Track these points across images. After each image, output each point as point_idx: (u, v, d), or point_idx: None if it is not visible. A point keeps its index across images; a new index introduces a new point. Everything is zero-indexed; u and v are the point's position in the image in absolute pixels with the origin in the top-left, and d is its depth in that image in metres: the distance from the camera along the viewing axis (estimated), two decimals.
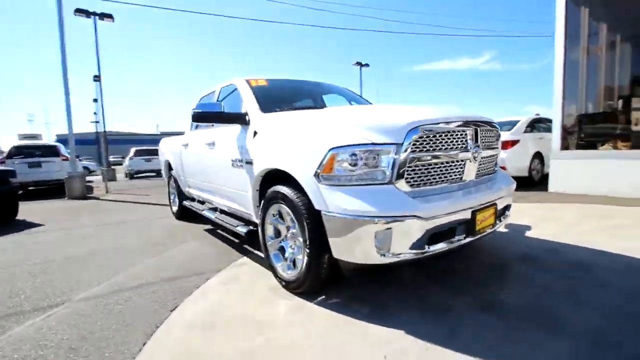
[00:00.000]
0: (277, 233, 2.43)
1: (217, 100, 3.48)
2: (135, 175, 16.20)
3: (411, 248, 1.77)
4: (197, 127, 4.10)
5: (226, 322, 1.92)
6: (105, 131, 18.10)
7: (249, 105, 2.76)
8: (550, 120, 6.13)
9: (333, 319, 1.88)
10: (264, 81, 3.10)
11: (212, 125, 3.42)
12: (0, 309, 2.25)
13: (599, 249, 2.75)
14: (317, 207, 1.88)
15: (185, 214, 4.84)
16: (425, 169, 1.89)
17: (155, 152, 16.49)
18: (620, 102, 6.44)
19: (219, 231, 4.11)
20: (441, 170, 1.96)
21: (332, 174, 1.82)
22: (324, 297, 2.14)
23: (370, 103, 3.62)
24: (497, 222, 2.22)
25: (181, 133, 4.67)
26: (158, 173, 16.91)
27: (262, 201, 2.42)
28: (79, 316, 2.10)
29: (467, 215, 1.93)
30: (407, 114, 1.90)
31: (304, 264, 2.02)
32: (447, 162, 1.96)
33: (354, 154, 1.78)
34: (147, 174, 17.00)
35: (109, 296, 2.37)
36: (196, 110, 2.69)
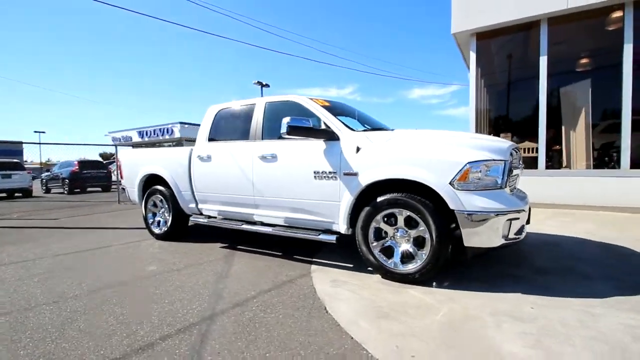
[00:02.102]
0: (378, 236, 2.81)
1: (264, 114, 3.55)
2: None
3: (515, 234, 2.51)
4: (212, 138, 3.93)
5: (394, 310, 2.22)
6: None
7: (333, 123, 3.06)
8: None
9: (466, 295, 2.42)
10: (326, 102, 3.41)
11: (256, 138, 3.47)
12: (116, 350, 1.87)
13: (549, 233, 4.13)
14: (452, 207, 2.43)
15: (175, 234, 4.39)
16: (511, 179, 2.71)
17: (15, 167, 12.83)
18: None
19: (240, 247, 3.96)
20: (514, 180, 2.81)
21: (466, 182, 2.42)
22: (435, 282, 2.65)
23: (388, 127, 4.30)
24: None
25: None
26: (12, 193, 13.03)
27: (368, 208, 2.76)
28: (234, 333, 1.99)
29: (527, 210, 2.82)
30: (500, 141, 2.69)
31: (430, 255, 2.51)
32: (515, 175, 2.83)
33: (482, 167, 2.43)
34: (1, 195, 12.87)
35: (234, 314, 2.25)
36: (291, 124, 2.84)
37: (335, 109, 3.39)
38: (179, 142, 30.87)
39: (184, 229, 4.46)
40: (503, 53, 7.90)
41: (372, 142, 2.82)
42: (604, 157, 6.32)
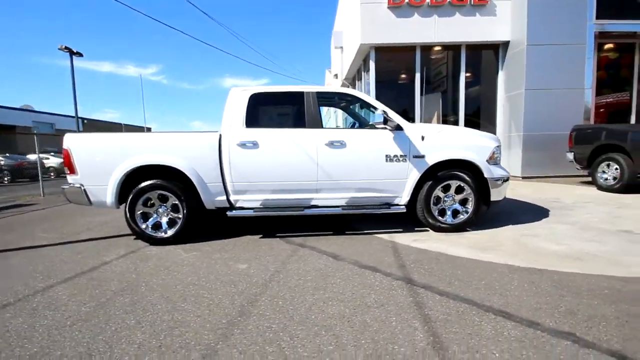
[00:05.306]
0: (434, 202, 3.82)
1: (318, 101, 3.77)
2: None
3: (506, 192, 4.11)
4: (252, 124, 3.72)
5: (479, 246, 3.32)
6: None
7: (396, 116, 3.75)
8: None
9: (494, 231, 3.81)
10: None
11: (315, 125, 3.70)
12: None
13: None
14: (486, 175, 3.74)
15: (185, 236, 3.79)
16: None
17: None
18: None
19: (279, 235, 3.97)
20: None
21: (492, 160, 3.79)
22: (468, 228, 3.93)
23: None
24: None
25: None
26: None
27: (430, 182, 3.72)
28: (438, 281, 2.57)
29: None
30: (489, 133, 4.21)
31: (473, 210, 3.77)
32: None
33: (497, 150, 3.85)
34: None
35: (407, 274, 2.75)
36: (384, 116, 3.39)
37: None
38: None
39: (195, 228, 3.88)
40: (391, 63, 10.08)
41: (430, 132, 3.75)
42: None
